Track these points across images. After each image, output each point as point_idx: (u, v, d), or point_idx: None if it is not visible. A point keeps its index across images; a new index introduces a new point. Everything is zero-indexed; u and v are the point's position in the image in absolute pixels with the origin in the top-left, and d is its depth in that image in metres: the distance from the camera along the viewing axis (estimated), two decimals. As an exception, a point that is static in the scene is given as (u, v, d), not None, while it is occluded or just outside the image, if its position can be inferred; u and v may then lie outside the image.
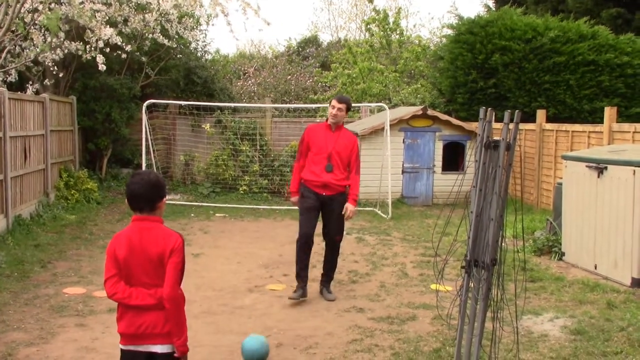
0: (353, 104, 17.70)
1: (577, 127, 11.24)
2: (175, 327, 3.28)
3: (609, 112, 10.03)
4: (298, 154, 6.81)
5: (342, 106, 6.60)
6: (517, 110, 3.73)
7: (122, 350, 3.39)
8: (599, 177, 7.54)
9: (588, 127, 10.87)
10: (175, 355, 3.32)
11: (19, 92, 11.38)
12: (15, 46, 10.57)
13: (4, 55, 9.44)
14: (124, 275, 3.29)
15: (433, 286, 7.13)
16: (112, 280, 3.28)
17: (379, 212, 12.46)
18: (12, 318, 5.96)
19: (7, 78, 11.66)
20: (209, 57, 19.33)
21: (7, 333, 5.57)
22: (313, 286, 6.93)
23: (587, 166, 7.77)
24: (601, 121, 10.71)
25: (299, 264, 6.61)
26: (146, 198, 3.32)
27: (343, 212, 6.57)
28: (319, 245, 7.16)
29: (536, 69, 14.45)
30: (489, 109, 3.85)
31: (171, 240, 3.28)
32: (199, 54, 17.73)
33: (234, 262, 8.40)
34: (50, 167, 11.95)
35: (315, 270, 7.39)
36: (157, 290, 3.26)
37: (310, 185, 6.58)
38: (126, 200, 3.42)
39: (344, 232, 6.95)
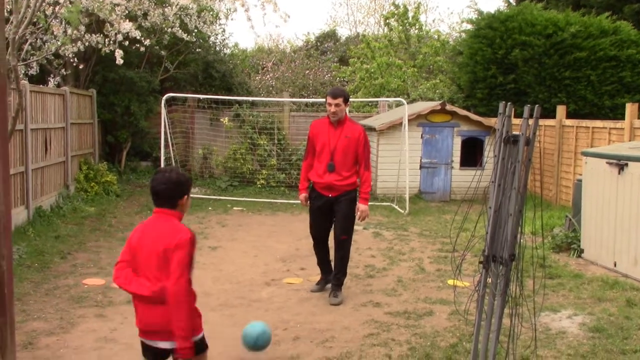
0: (371, 99, 17.84)
1: (598, 123, 11.12)
2: (177, 326, 3.21)
3: (631, 108, 9.91)
4: (306, 152, 6.61)
5: (339, 101, 6.19)
6: (537, 105, 3.71)
7: (141, 341, 3.49)
8: (619, 173, 7.46)
9: (609, 124, 10.75)
10: (175, 356, 3.28)
11: (40, 85, 11.49)
12: (37, 39, 10.67)
13: (25, 48, 9.53)
14: (133, 264, 3.38)
15: (450, 281, 7.11)
16: (120, 265, 3.40)
17: (397, 207, 12.43)
18: (33, 308, 6.04)
19: (28, 71, 11.79)
20: (228, 51, 19.40)
21: (28, 322, 5.64)
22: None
23: (607, 163, 7.69)
24: (622, 117, 10.59)
25: (317, 258, 6.76)
26: (167, 196, 3.38)
27: (355, 213, 6.35)
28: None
29: (557, 65, 14.31)
30: (509, 103, 3.82)
31: (178, 236, 3.29)
32: (217, 48, 17.80)
33: (251, 255, 8.44)
34: (71, 160, 12.07)
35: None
36: (159, 283, 3.28)
37: (317, 187, 6.40)
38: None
39: (353, 230, 6.63)
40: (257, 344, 4.64)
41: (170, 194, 3.38)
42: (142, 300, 3.34)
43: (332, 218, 6.45)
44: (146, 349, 3.46)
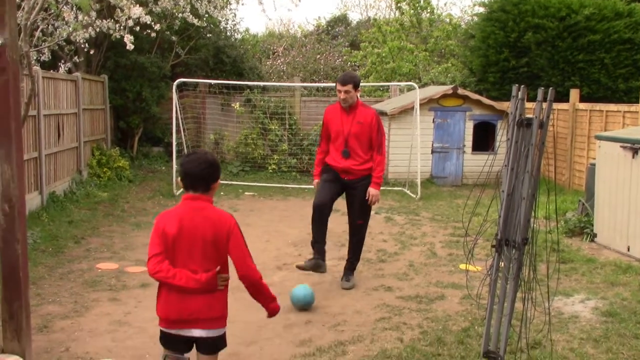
0: (382, 83, 17.76)
1: (612, 106, 11.01)
2: (263, 299, 3.47)
3: (645, 92, 9.81)
4: (320, 138, 6.53)
5: (348, 87, 6.08)
6: (550, 88, 3.67)
7: (162, 331, 3.34)
8: (633, 157, 7.40)
9: (623, 107, 10.64)
10: (268, 315, 3.54)
11: (52, 71, 11.53)
12: (48, 25, 10.68)
13: (37, 34, 9.55)
14: (169, 254, 3.20)
15: (462, 266, 7.11)
16: (157, 258, 3.18)
17: (408, 192, 12.41)
18: (48, 292, 6.11)
19: (40, 57, 11.82)
20: (239, 36, 19.34)
21: (43, 306, 5.71)
22: (341, 265, 6.91)
23: (621, 146, 7.62)
24: (637, 101, 10.49)
25: (313, 235, 6.30)
26: (202, 177, 3.25)
27: (367, 198, 6.23)
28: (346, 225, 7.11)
29: (570, 48, 14.14)
30: (522, 86, 3.79)
31: (226, 221, 3.24)
32: (228, 33, 17.76)
33: (263, 240, 8.47)
34: (83, 145, 12.13)
35: (344, 250, 7.39)
36: (202, 275, 3.19)
37: (334, 169, 6.30)
38: (180, 178, 3.34)
39: (370, 215, 6.56)
40: (307, 301, 5.73)
41: (207, 176, 3.25)
42: (184, 291, 3.18)
43: (340, 191, 6.31)
44: (174, 340, 3.29)
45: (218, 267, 3.25)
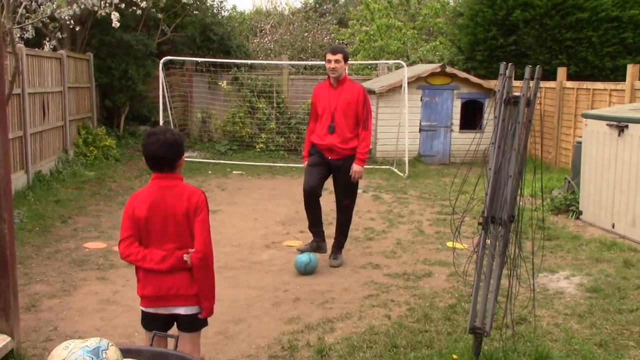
0: (370, 62, 17.69)
1: (599, 85, 11.05)
2: (206, 287, 3.23)
3: (632, 70, 9.84)
4: (309, 117, 6.49)
5: (339, 57, 6.04)
6: (537, 66, 3.68)
7: (142, 311, 3.34)
8: (619, 135, 7.45)
9: (610, 85, 10.68)
10: (201, 315, 3.27)
11: (36, 49, 11.38)
12: (32, 2, 10.52)
13: (20, 11, 9.40)
14: (142, 235, 3.19)
15: (449, 243, 7.16)
16: (127, 241, 3.19)
17: (396, 170, 12.44)
18: (35, 271, 6.09)
19: (24, 34, 11.64)
20: (225, 14, 19.14)
21: (31, 285, 5.70)
22: (329, 243, 6.93)
23: (607, 124, 7.67)
24: (623, 79, 10.51)
25: (309, 220, 6.43)
26: (165, 159, 3.18)
27: (350, 174, 6.18)
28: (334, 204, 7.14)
29: (558, 26, 14.13)
30: (509, 64, 3.79)
31: (195, 197, 3.19)
32: (215, 11, 17.56)
33: (251, 218, 8.47)
34: (69, 124, 12.03)
35: (332, 228, 7.41)
36: (175, 252, 3.18)
37: (318, 148, 6.27)
38: (144, 160, 3.30)
39: (357, 194, 6.57)
40: (306, 271, 6.13)
41: (169, 157, 3.18)
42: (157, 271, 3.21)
43: (327, 173, 6.32)
44: (153, 319, 3.29)
45: (191, 251, 3.19)
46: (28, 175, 9.62)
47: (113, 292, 5.60)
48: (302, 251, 6.38)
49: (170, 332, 3.29)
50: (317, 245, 6.43)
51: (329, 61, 6.08)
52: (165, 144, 3.16)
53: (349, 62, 6.48)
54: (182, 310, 3.25)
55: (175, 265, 3.18)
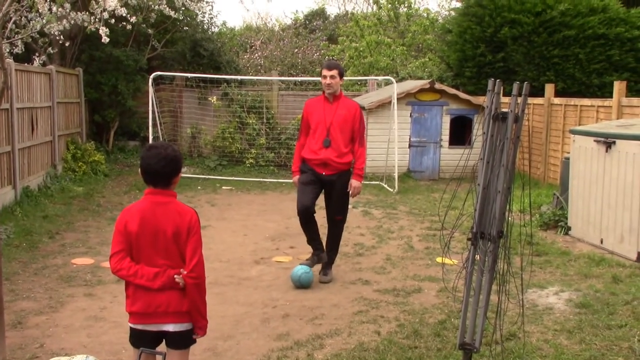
0: (360, 77, 17.77)
1: (586, 101, 11.15)
2: (202, 306, 3.23)
3: (619, 87, 9.94)
4: (299, 132, 6.47)
5: (334, 72, 6.07)
6: (525, 82, 3.70)
7: (131, 328, 3.30)
8: (607, 151, 7.51)
9: (597, 102, 10.78)
10: (197, 335, 3.28)
11: (26, 64, 11.35)
12: (21, 17, 10.52)
13: (9, 26, 9.39)
14: (133, 250, 3.17)
15: (439, 259, 7.16)
16: (118, 256, 3.16)
17: (385, 186, 12.46)
18: (22, 287, 6.03)
19: (13, 49, 11.62)
20: (216, 29, 19.20)
21: (17, 302, 5.63)
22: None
23: (595, 141, 7.73)
24: (610, 96, 10.62)
25: (306, 236, 6.43)
26: (162, 174, 3.17)
27: (348, 190, 6.21)
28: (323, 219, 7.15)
29: (545, 43, 14.28)
30: (498, 80, 3.81)
31: (187, 217, 3.17)
32: (205, 27, 17.61)
33: (241, 234, 8.44)
34: (58, 139, 11.97)
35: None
36: (167, 271, 3.16)
37: (310, 164, 6.22)
38: (140, 172, 3.27)
39: (348, 210, 6.59)
40: (301, 282, 6.17)
41: (167, 172, 3.17)
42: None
43: (320, 191, 6.30)
44: (142, 335, 3.26)
45: (182, 272, 3.17)
46: (16, 190, 9.55)
47: (100, 308, 5.55)
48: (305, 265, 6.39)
49: (158, 349, 3.27)
50: (318, 257, 6.44)
51: (325, 77, 6.11)
52: (165, 159, 3.16)
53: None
54: (171, 327, 3.22)
55: (166, 284, 3.16)
